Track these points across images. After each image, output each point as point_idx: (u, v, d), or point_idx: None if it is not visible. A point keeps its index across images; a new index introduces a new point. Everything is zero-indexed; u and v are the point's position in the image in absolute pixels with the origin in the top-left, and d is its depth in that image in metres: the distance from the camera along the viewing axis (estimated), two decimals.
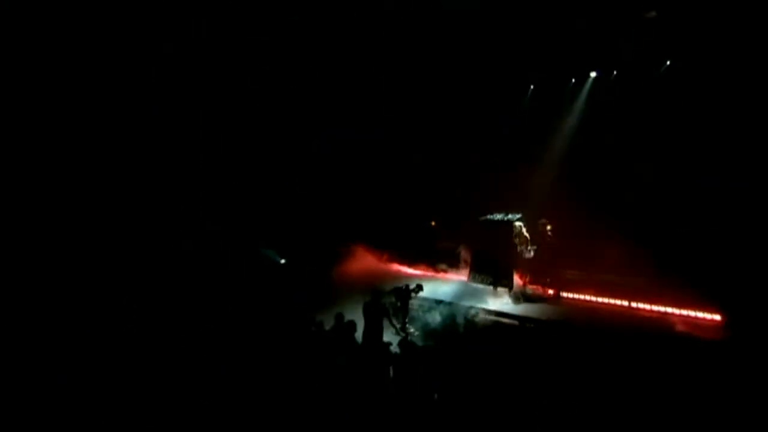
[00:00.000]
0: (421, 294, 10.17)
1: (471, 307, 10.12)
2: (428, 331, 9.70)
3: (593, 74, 12.49)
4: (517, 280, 10.81)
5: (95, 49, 12.86)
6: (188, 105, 14.33)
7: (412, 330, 9.73)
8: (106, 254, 12.67)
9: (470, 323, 9.68)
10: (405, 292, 9.83)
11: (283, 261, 14.73)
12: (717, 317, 8.73)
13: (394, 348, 7.78)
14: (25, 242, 11.98)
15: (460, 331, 9.45)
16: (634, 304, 9.69)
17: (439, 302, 10.60)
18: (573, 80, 12.85)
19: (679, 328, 8.59)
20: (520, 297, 10.49)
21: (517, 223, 10.99)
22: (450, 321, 9.79)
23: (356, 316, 8.59)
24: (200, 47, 13.79)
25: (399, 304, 9.73)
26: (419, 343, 8.77)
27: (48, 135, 12.78)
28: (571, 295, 10.44)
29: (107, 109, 13.50)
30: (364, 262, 13.73)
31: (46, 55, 12.44)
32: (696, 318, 8.92)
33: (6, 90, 12.23)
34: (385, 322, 9.03)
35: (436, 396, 6.69)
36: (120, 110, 13.65)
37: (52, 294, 10.83)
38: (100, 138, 13.40)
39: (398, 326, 9.52)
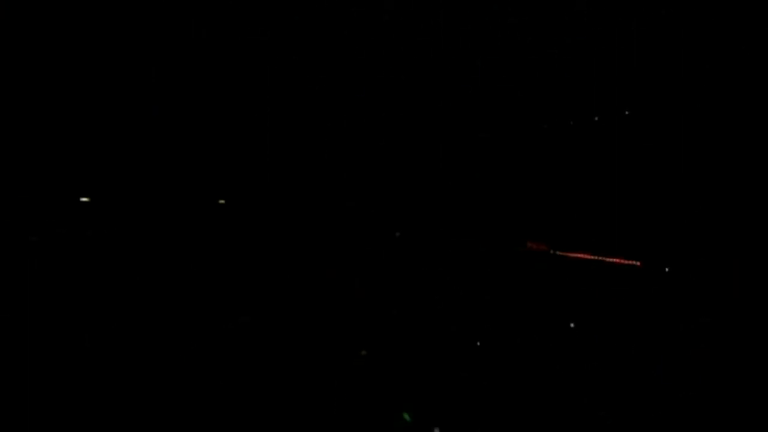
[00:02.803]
0: None
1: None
2: None
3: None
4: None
5: (95, 48, 15.03)
6: (191, 104, 16.14)
7: None
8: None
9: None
10: None
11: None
12: (637, 263, 12.53)
13: None
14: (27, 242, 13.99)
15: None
16: (598, 257, 13.62)
17: None
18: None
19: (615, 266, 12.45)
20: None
21: None
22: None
23: None
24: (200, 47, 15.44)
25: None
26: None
27: (48, 135, 14.96)
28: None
29: (107, 109, 15.41)
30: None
31: (46, 55, 14.62)
32: (622, 263, 12.73)
33: (6, 90, 14.76)
34: None
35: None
36: (120, 110, 15.48)
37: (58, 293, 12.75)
38: (101, 138, 15.44)
39: None
